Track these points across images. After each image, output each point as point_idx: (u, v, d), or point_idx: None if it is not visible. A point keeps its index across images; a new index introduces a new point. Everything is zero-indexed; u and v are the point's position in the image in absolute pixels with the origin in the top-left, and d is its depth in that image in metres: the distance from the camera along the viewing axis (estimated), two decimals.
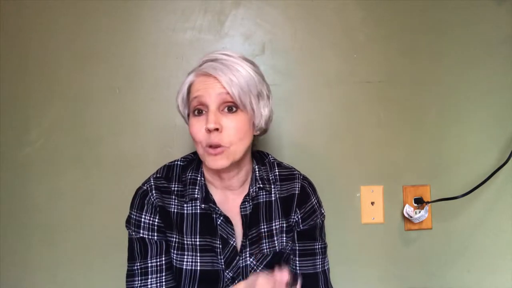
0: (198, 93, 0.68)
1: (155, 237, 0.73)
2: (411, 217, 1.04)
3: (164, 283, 0.72)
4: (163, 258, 0.73)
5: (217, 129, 0.66)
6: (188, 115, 0.74)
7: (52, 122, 1.00)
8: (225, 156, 0.68)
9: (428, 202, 1.05)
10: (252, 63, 0.72)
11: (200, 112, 0.69)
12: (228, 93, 0.67)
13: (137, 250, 0.73)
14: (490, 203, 1.09)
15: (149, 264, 0.72)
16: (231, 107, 0.69)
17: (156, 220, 0.74)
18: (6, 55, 1.00)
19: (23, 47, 1.01)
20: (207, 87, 0.68)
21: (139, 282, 0.71)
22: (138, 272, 0.72)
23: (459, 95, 1.08)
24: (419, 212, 1.05)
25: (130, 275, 0.73)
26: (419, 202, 1.06)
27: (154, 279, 0.72)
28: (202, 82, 0.69)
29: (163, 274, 0.72)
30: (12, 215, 1.00)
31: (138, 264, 0.72)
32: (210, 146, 0.68)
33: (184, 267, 0.73)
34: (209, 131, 0.67)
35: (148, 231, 0.73)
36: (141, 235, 0.73)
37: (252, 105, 0.70)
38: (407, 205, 1.05)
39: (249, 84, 0.68)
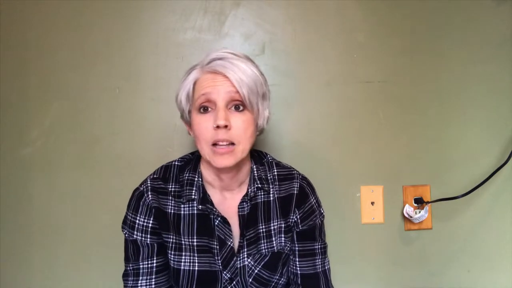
0: (206, 90, 0.67)
1: (148, 240, 0.74)
2: (411, 217, 1.04)
3: (153, 285, 0.73)
4: (155, 261, 0.74)
5: (226, 126, 0.66)
6: (189, 112, 0.73)
7: (52, 122, 1.00)
8: (233, 155, 0.68)
9: (428, 202, 1.05)
10: (254, 63, 0.72)
11: (205, 110, 0.68)
12: (237, 91, 0.66)
13: (131, 252, 0.74)
14: (490, 203, 1.09)
15: (141, 266, 0.73)
16: (239, 106, 0.68)
17: (151, 222, 0.74)
18: (6, 55, 1.00)
19: (23, 47, 1.01)
20: (215, 85, 0.67)
21: (131, 282, 0.73)
22: (131, 273, 0.74)
23: (459, 95, 1.08)
24: (419, 212, 1.05)
25: (125, 274, 0.75)
26: (419, 202, 1.06)
27: (144, 281, 0.73)
28: (211, 80, 0.68)
29: (153, 276, 0.74)
30: (12, 215, 1.00)
31: (131, 265, 0.74)
32: (217, 144, 0.67)
33: (182, 267, 0.74)
34: (217, 128, 0.66)
35: (142, 233, 0.74)
36: (134, 236, 0.74)
37: (258, 105, 0.70)
38: (407, 205, 1.05)
39: (256, 85, 0.69)
